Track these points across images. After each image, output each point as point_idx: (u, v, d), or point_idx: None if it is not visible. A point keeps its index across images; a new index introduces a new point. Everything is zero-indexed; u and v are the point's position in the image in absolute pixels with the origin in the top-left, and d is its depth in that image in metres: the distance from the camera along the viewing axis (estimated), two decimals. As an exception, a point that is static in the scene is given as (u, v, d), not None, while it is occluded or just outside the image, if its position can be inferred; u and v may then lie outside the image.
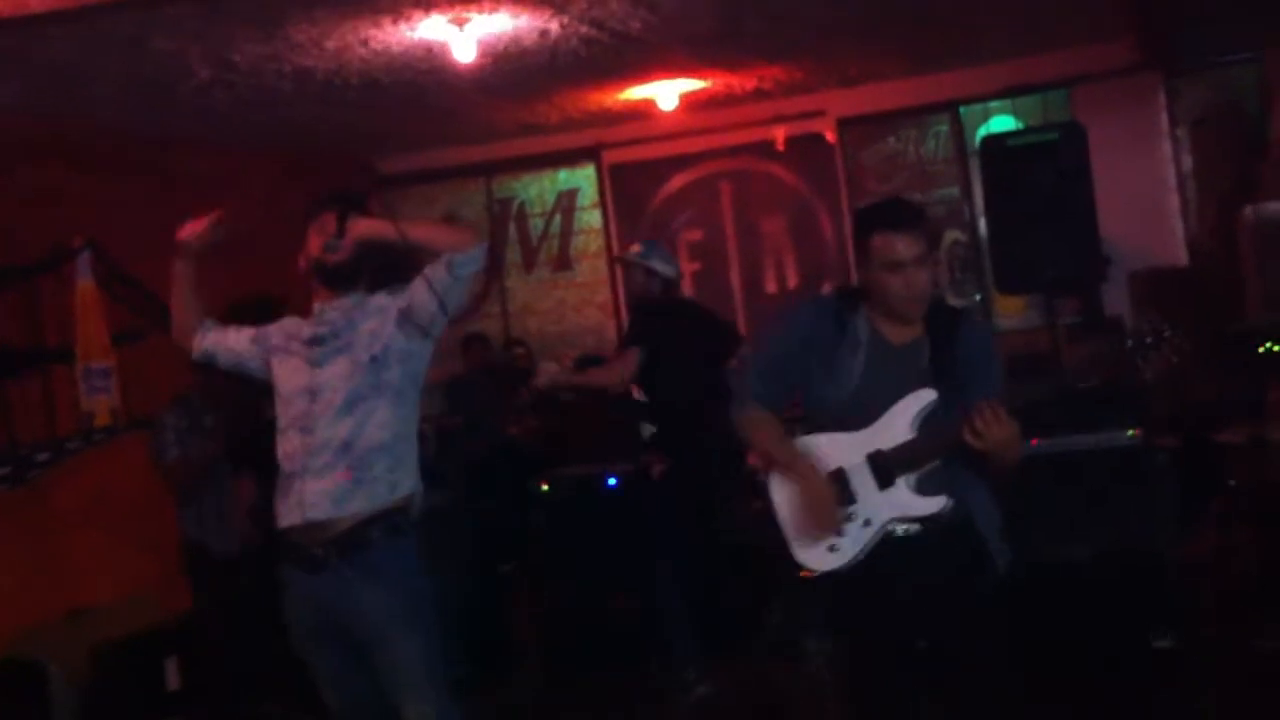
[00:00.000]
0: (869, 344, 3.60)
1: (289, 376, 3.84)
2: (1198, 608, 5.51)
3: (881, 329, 3.62)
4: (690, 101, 8.82)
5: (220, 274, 7.20)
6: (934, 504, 3.50)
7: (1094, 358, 3.64)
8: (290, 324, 3.97)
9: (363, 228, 3.80)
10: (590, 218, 9.89)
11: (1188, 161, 8.85)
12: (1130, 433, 5.58)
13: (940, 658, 3.59)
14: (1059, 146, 6.65)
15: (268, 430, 3.90)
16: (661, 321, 5.96)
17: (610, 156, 9.76)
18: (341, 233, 3.78)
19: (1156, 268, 8.57)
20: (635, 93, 8.50)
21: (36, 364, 6.63)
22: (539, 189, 9.98)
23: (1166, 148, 8.85)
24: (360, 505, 3.69)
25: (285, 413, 3.81)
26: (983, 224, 7.39)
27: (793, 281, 9.48)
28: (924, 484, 3.52)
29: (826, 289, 9.31)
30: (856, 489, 3.54)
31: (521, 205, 10.02)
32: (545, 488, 6.89)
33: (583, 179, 9.88)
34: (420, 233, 3.85)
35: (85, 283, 6.73)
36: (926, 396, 3.51)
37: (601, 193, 9.83)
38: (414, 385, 3.85)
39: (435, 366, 3.99)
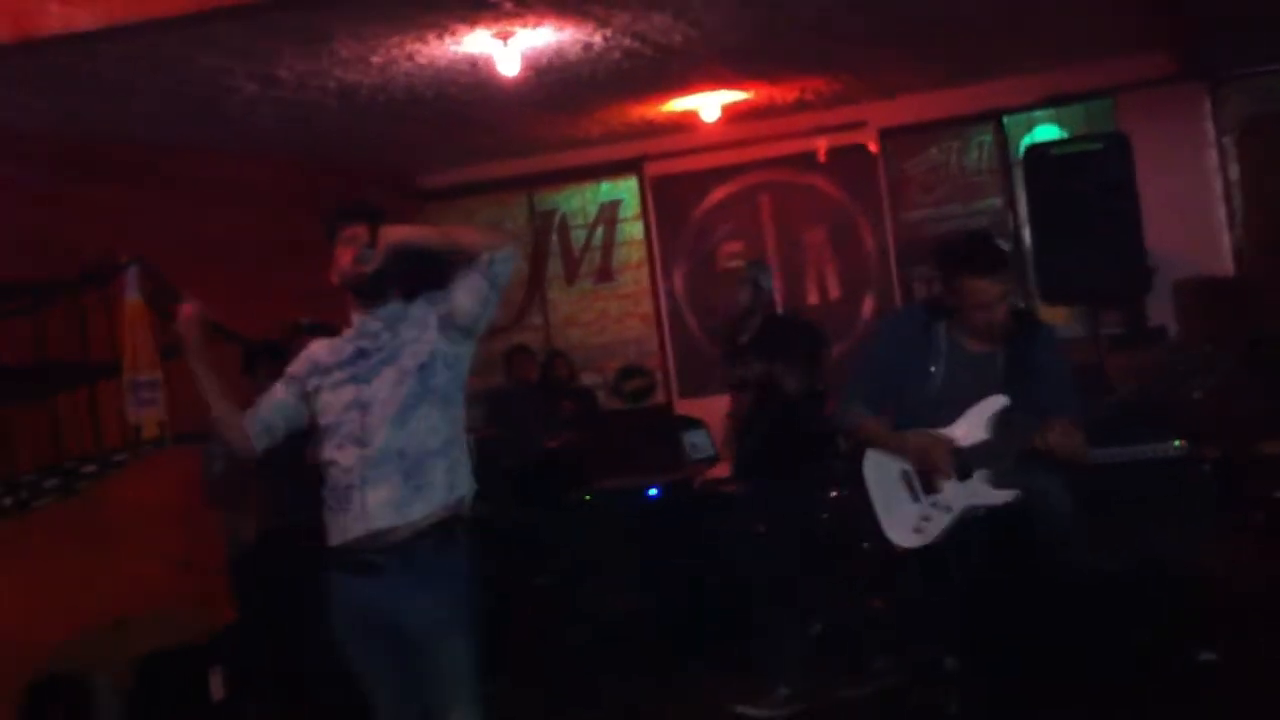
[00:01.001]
0: (948, 353, 4.17)
1: (336, 398, 3.85)
2: (1239, 620, 5.45)
3: (960, 340, 4.18)
4: (732, 113, 8.83)
5: (272, 287, 7.36)
6: (1006, 495, 4.03)
7: (1140, 376, 4.03)
8: (321, 351, 3.96)
9: (395, 234, 3.81)
10: (633, 229, 9.91)
11: (1234, 170, 8.76)
12: (1176, 443, 5.54)
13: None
14: (1104, 156, 6.64)
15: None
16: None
17: (652, 168, 9.77)
18: (373, 242, 3.78)
19: (1202, 278, 8.49)
20: (677, 105, 8.51)
21: (84, 378, 6.70)
22: (581, 201, 10.01)
23: (1212, 157, 8.77)
24: (421, 510, 3.74)
25: (336, 430, 3.83)
26: (1027, 234, 7.36)
27: (834, 293, 9.46)
28: (999, 477, 4.04)
29: (868, 301, 9.31)
30: (939, 480, 4.11)
31: (564, 217, 10.05)
32: (587, 498, 6.91)
33: (625, 191, 9.90)
34: (452, 235, 3.90)
35: (133, 298, 6.83)
36: (999, 402, 4.06)
37: (644, 204, 9.85)
38: (460, 388, 3.89)
39: (477, 377, 4.01)
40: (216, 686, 5.59)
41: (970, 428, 4.07)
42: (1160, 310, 8.35)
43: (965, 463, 4.07)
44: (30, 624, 6.15)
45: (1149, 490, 5.50)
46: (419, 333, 3.81)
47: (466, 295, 3.76)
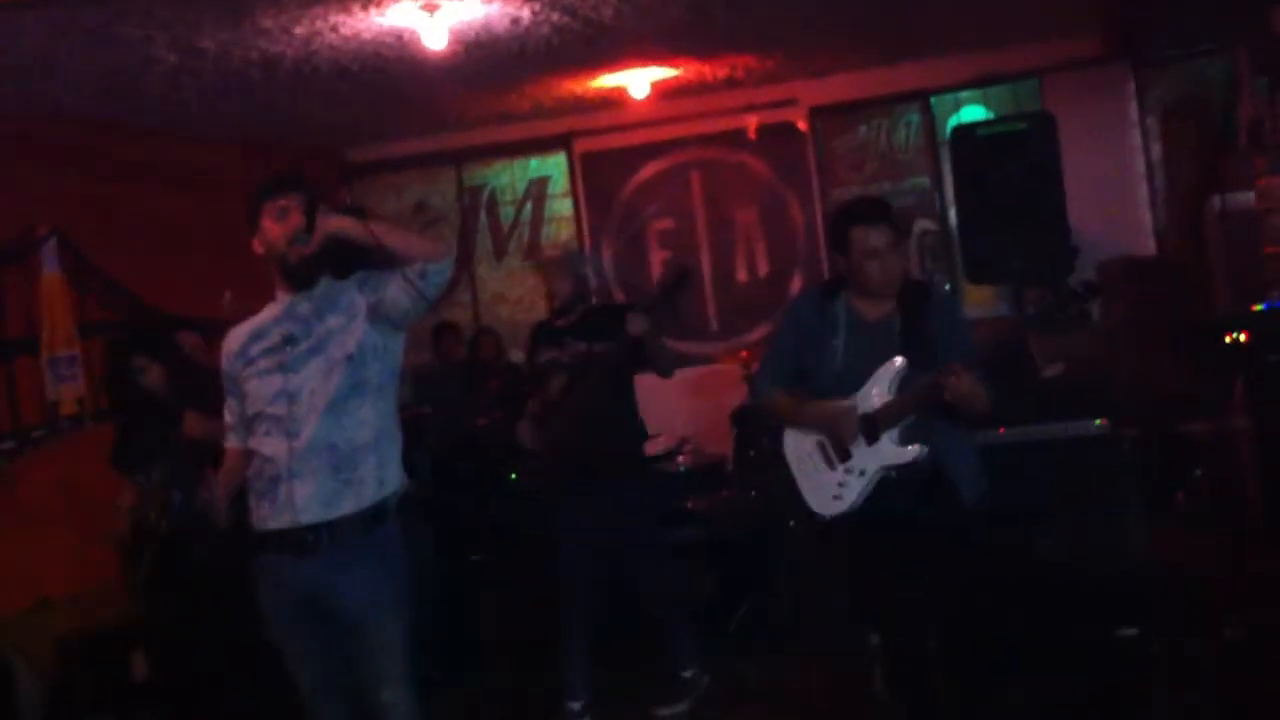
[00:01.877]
0: (847, 324, 4.29)
1: (262, 387, 3.76)
2: (1163, 598, 5.54)
3: (857, 309, 4.31)
4: (662, 90, 8.81)
5: (196, 268, 7.26)
6: (912, 452, 4.16)
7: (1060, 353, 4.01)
8: (243, 336, 3.87)
9: (333, 225, 3.67)
10: (561, 206, 9.87)
11: (1157, 152, 8.89)
12: (1097, 422, 5.61)
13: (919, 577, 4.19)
14: (1029, 136, 6.67)
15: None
16: None
17: (582, 145, 9.74)
18: (310, 220, 3.66)
19: (1125, 257, 8.60)
20: (607, 81, 8.48)
21: (1, 354, 6.58)
22: (510, 177, 9.96)
23: (1136, 138, 8.89)
24: (350, 507, 3.70)
25: (262, 419, 3.75)
26: (953, 214, 7.41)
27: (763, 270, 9.49)
28: (904, 437, 4.18)
29: (797, 279, 9.34)
30: (851, 446, 4.24)
31: (492, 193, 9.99)
32: (514, 477, 6.88)
33: (554, 167, 9.86)
34: (392, 238, 3.68)
35: (51, 272, 6.70)
36: (898, 363, 4.17)
37: (573, 181, 9.81)
38: (392, 379, 3.83)
39: (403, 354, 3.96)
40: (139, 667, 5.52)
41: (874, 392, 4.19)
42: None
43: (872, 425, 4.19)
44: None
45: (1070, 468, 5.56)
46: (347, 321, 3.73)
47: (399, 290, 3.67)
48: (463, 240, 9.90)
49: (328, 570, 3.69)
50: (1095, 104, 8.77)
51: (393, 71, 7.31)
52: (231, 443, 3.93)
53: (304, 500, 3.67)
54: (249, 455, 3.82)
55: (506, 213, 9.95)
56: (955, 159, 6.98)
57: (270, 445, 3.73)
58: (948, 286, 9.05)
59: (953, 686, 4.26)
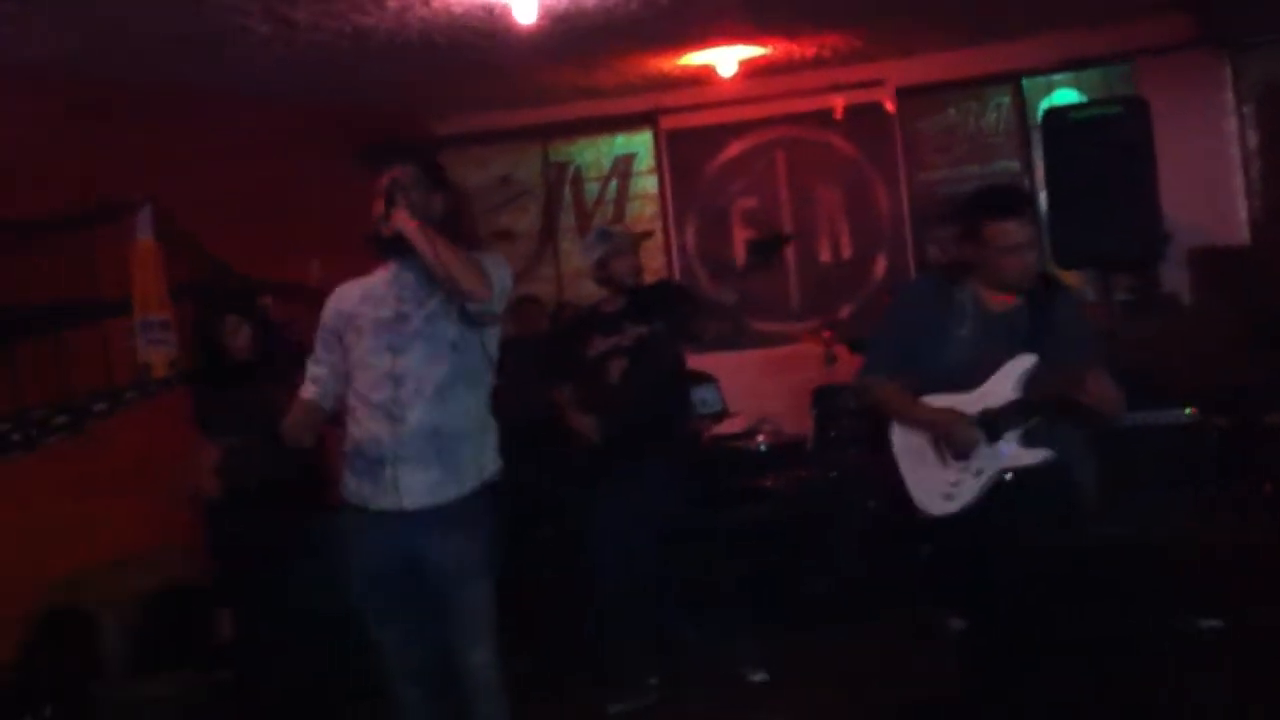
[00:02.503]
0: (974, 314, 4.10)
1: (371, 364, 3.81)
2: (1246, 589, 5.45)
3: (984, 300, 4.11)
4: (749, 68, 8.77)
5: (282, 234, 7.34)
6: (1038, 455, 3.98)
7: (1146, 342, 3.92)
8: (354, 296, 3.91)
9: (403, 225, 3.73)
10: (646, 183, 9.87)
11: (1252, 139, 8.70)
12: (1186, 410, 5.53)
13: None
14: (1122, 121, 6.59)
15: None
16: None
17: (667, 122, 9.72)
18: (387, 215, 3.74)
19: (1216, 246, 8.44)
20: (694, 58, 8.45)
21: (95, 315, 6.70)
22: (595, 153, 9.97)
23: (1231, 124, 8.70)
24: (453, 492, 3.80)
25: (368, 394, 3.81)
26: (1043, 198, 7.33)
27: (847, 251, 9.43)
28: (1028, 438, 3.99)
29: (880, 261, 9.28)
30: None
31: (577, 169, 10.01)
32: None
33: (639, 144, 9.86)
34: (444, 260, 3.72)
35: (145, 237, 6.81)
36: (1028, 361, 3.99)
37: (658, 158, 9.81)
38: (489, 367, 3.92)
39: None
40: (225, 625, 5.63)
41: (999, 387, 4.02)
42: (1173, 278, 8.31)
43: (994, 424, 4.02)
44: (36, 557, 6.19)
45: (1157, 456, 5.49)
46: (448, 307, 3.81)
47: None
48: (547, 216, 9.94)
49: (415, 532, 3.76)
50: (1189, 89, 8.59)
51: (481, 45, 7.33)
52: (309, 394, 3.97)
53: (409, 486, 3.76)
54: (320, 411, 3.91)
55: (591, 189, 9.97)
56: (1047, 142, 6.92)
57: (374, 426, 3.78)
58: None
59: (1027, 676, 4.14)
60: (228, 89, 7.65)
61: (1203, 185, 8.42)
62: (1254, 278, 8.23)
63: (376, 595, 3.86)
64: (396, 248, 3.80)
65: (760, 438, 7.44)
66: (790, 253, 9.47)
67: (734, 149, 9.65)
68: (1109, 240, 6.45)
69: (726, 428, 7.48)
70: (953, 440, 4.05)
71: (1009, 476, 4.00)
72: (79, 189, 6.61)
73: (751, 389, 8.06)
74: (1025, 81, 9.06)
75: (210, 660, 6.09)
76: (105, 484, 6.57)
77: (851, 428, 6.71)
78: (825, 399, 7.41)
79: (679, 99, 9.51)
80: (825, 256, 9.49)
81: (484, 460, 3.88)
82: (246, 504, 5.37)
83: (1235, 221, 8.65)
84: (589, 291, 9.79)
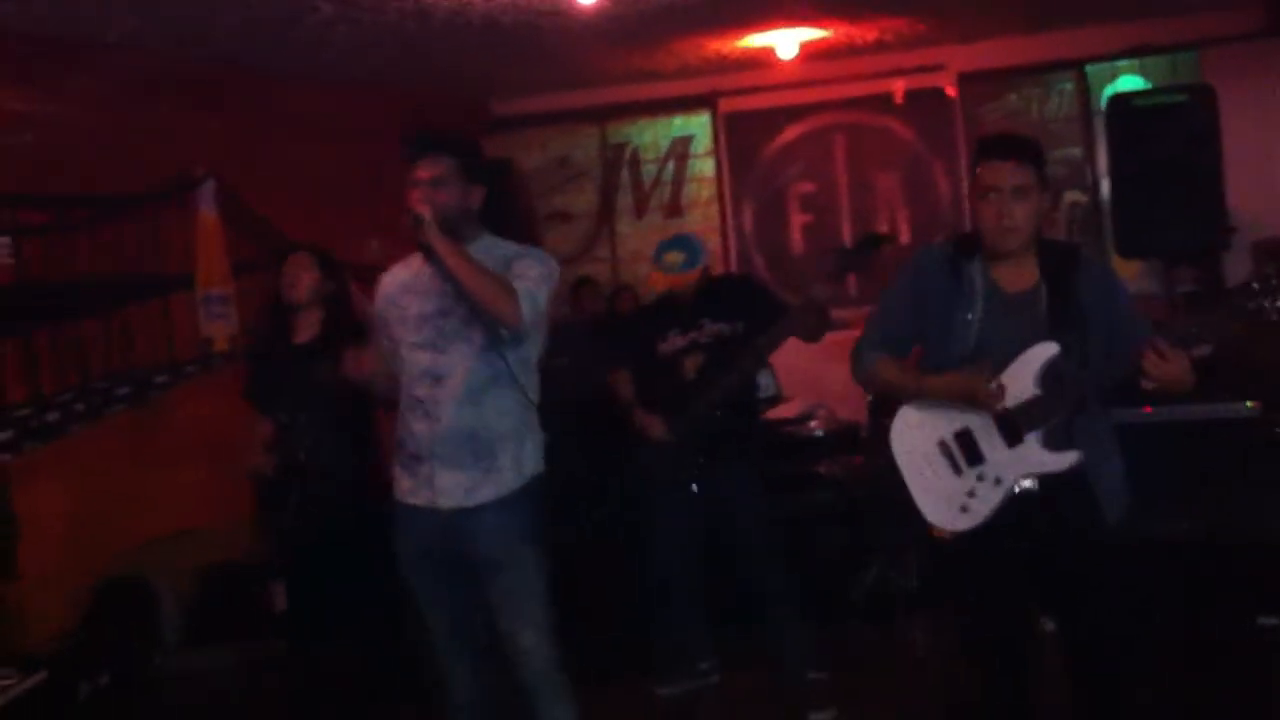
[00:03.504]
0: (985, 294, 3.52)
1: (412, 359, 3.78)
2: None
3: (997, 277, 3.54)
4: (809, 51, 8.73)
5: (343, 215, 7.39)
6: (1066, 459, 3.43)
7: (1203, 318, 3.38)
8: (396, 284, 3.87)
9: (428, 238, 3.60)
10: (704, 166, 9.85)
11: (1321, 131, 8.58)
12: (1248, 405, 5.46)
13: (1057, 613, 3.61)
14: (1188, 109, 6.50)
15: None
16: None
17: (726, 105, 9.69)
18: (420, 229, 3.61)
19: (1282, 238, 8.34)
20: (754, 40, 8.42)
21: (159, 289, 6.78)
22: (653, 135, 9.95)
23: (1298, 115, 8.59)
24: (490, 495, 3.73)
25: (410, 389, 3.78)
26: (1105, 186, 7.24)
27: (905, 238, 9.37)
28: (1053, 438, 3.44)
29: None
30: (984, 448, 3.51)
31: (635, 151, 10.00)
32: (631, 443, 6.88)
33: (697, 126, 9.84)
34: (472, 284, 3.60)
35: (208, 212, 6.89)
36: (1049, 350, 3.42)
37: (715, 141, 9.79)
38: (532, 368, 3.82)
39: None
40: (279, 598, 5.67)
41: (1017, 381, 3.43)
42: (1237, 270, 8.19)
43: (1013, 424, 3.45)
44: (97, 528, 6.28)
45: (1218, 451, 5.42)
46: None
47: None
48: (604, 197, 9.94)
49: (451, 528, 3.74)
50: (1255, 79, 8.47)
51: (542, 25, 7.35)
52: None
53: (445, 485, 3.72)
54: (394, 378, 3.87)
55: (648, 170, 9.96)
56: (1110, 129, 6.83)
57: (414, 423, 3.77)
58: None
59: (1091, 680, 3.62)
60: (291, 69, 7.70)
61: (1269, 177, 8.31)
62: (1320, 270, 8.10)
63: (422, 580, 3.84)
64: (425, 253, 3.71)
65: (815, 423, 7.41)
66: (847, 239, 9.42)
67: (792, 132, 9.61)
68: (1172, 231, 6.37)
69: (781, 412, 7.46)
70: (974, 402, 3.47)
71: (1033, 485, 3.47)
72: (147, 169, 6.69)
73: (806, 374, 8.01)
74: (1089, 68, 8.96)
75: (264, 632, 6.15)
76: (166, 457, 6.65)
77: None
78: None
79: (738, 81, 9.48)
80: (883, 242, 9.42)
81: (524, 462, 3.78)
82: (297, 481, 5.34)
83: (1302, 215, 8.53)
84: (645, 274, 9.82)
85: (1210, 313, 3.32)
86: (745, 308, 5.44)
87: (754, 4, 7.37)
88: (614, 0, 6.91)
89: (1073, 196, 9.04)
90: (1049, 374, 3.42)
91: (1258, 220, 8.01)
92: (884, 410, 3.78)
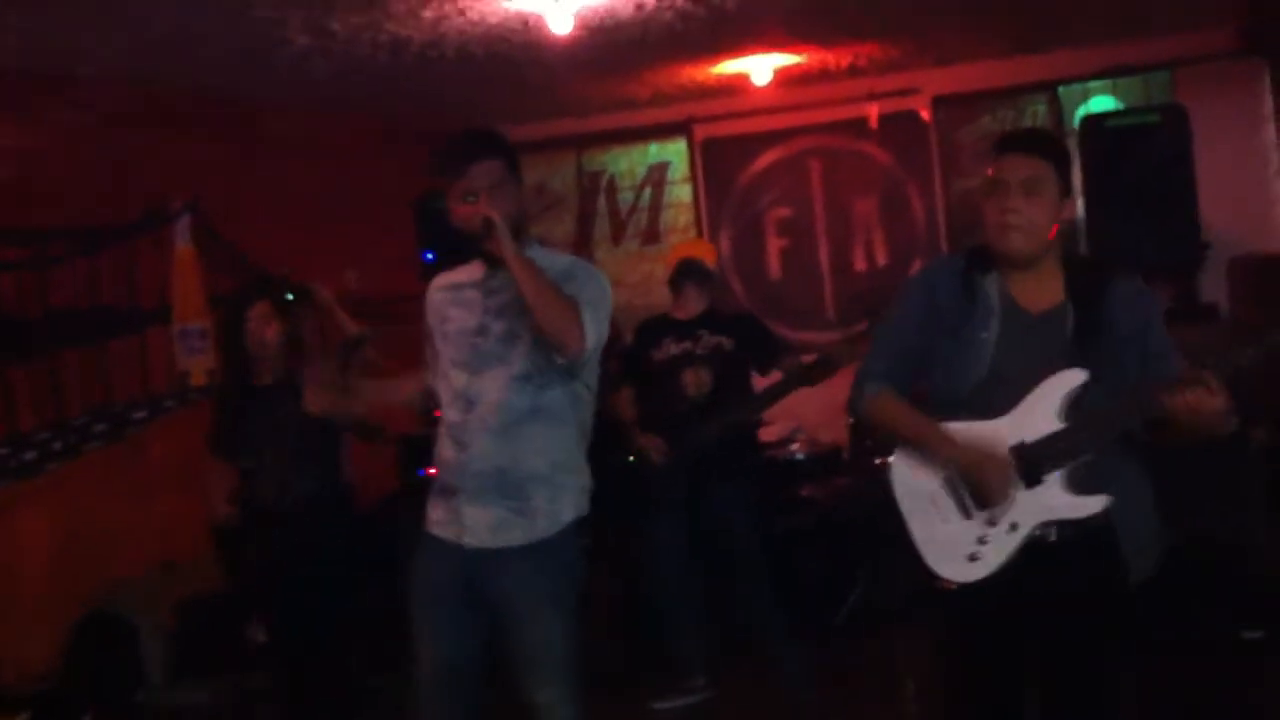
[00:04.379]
0: (1002, 313, 3.09)
1: (449, 378, 3.48)
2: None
3: (1016, 294, 3.11)
4: (784, 77, 8.77)
5: (322, 243, 7.38)
6: (1091, 504, 3.00)
7: (1188, 350, 3.16)
8: (443, 287, 3.57)
9: (500, 251, 3.27)
10: (681, 192, 9.88)
11: (1292, 149, 8.65)
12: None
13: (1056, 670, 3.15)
14: (1160, 129, 6.57)
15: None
16: None
17: (702, 131, 9.73)
18: (489, 236, 3.30)
19: (1256, 255, 8.37)
20: (729, 67, 8.46)
21: (135, 324, 6.75)
22: (629, 162, 9.98)
23: (1271, 134, 8.64)
24: (519, 537, 3.40)
25: (446, 411, 3.49)
26: (1079, 205, 7.29)
27: (882, 260, 9.40)
28: (1077, 480, 3.02)
29: (916, 268, 9.25)
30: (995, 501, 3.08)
31: (612, 178, 10.02)
32: (631, 459, 6.89)
33: (674, 153, 9.87)
34: (537, 301, 3.23)
35: (184, 245, 6.87)
36: (1074, 379, 3.01)
37: (692, 167, 9.81)
38: (583, 402, 3.49)
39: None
40: (257, 632, 5.64)
41: (1037, 414, 3.02)
42: (1212, 287, 8.25)
43: (1033, 463, 3.01)
44: (77, 565, 6.24)
45: (1195, 467, 5.44)
46: (527, 329, 3.35)
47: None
48: (581, 225, 9.96)
49: (475, 568, 3.43)
50: (1228, 99, 8.54)
51: (517, 56, 7.36)
52: (427, 379, 3.67)
53: (472, 522, 3.41)
54: (430, 394, 3.59)
55: (625, 197, 9.98)
56: (1084, 150, 6.88)
57: (445, 450, 3.49)
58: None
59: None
60: (270, 97, 7.70)
61: (1242, 195, 8.37)
62: (1293, 287, 8.16)
63: (429, 610, 3.50)
64: (490, 255, 3.36)
65: (795, 446, 7.42)
66: (824, 262, 9.46)
67: (768, 158, 9.65)
68: (1147, 249, 6.41)
69: (762, 436, 7.47)
70: (980, 486, 3.05)
71: (1050, 532, 3.04)
72: (127, 201, 6.67)
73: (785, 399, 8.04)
74: (1062, 89, 9.01)
75: (244, 666, 6.12)
76: (144, 491, 6.62)
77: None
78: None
79: (713, 108, 9.51)
80: (860, 265, 9.47)
81: (561, 507, 3.41)
82: (263, 526, 5.26)
83: (1275, 230, 8.58)
84: (624, 300, 9.83)
85: (1257, 342, 2.98)
86: (744, 331, 5.52)
87: (728, 31, 7.39)
88: (588, 30, 6.92)
89: (1047, 217, 9.06)
90: (1074, 405, 3.01)
91: (1232, 238, 8.06)
92: (868, 433, 3.63)
